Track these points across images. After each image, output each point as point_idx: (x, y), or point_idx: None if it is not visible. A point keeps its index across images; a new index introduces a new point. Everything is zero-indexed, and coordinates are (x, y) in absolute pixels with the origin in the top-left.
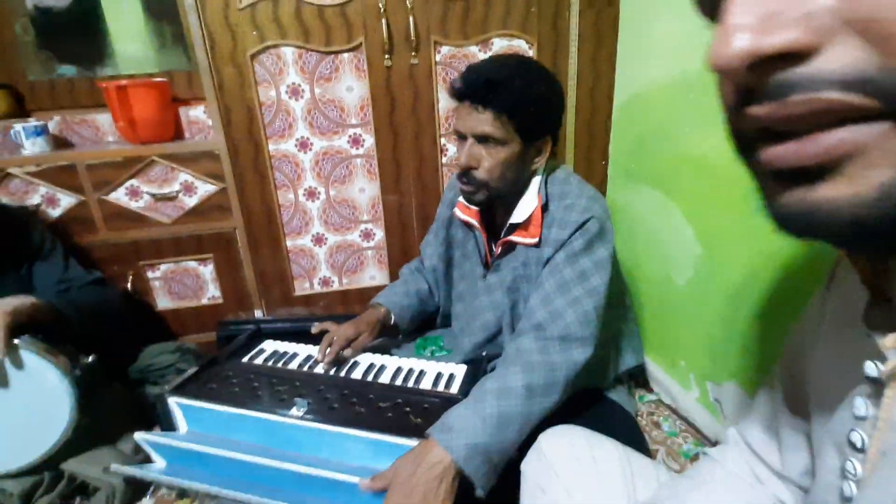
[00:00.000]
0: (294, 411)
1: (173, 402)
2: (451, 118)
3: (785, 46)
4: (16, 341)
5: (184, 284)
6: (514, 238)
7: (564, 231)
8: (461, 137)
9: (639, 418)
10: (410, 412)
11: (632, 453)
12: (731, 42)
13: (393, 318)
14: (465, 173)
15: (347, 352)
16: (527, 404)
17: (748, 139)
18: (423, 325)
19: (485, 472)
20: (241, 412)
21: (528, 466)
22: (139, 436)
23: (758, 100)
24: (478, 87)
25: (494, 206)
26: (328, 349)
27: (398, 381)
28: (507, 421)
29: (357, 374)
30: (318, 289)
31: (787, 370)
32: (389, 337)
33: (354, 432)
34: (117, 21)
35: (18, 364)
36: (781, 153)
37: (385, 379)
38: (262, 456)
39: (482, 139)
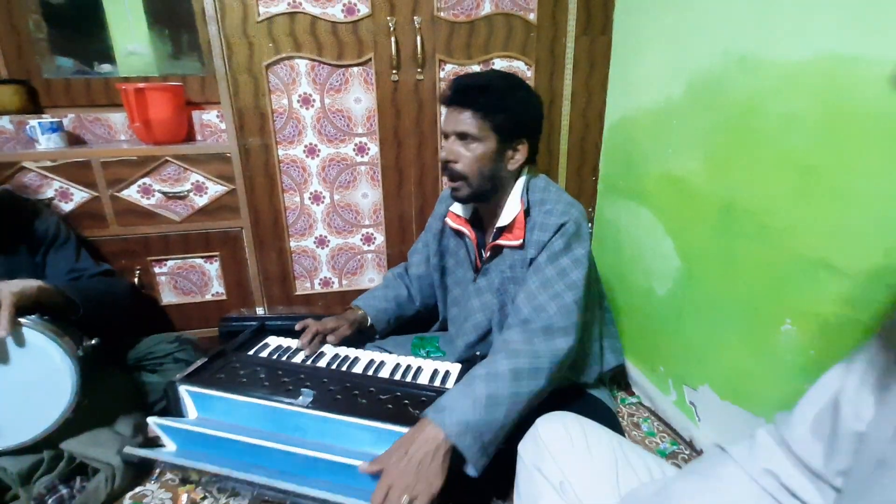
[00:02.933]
0: (300, 400)
1: (183, 389)
2: None
3: None
4: (22, 320)
5: (189, 280)
6: (501, 241)
7: (545, 234)
8: (446, 137)
9: (620, 418)
10: (409, 404)
11: (622, 439)
12: None
13: (369, 321)
14: (447, 168)
15: (330, 338)
16: (514, 386)
17: None
18: (406, 326)
19: (476, 449)
20: (250, 400)
21: (524, 448)
22: (152, 420)
23: None
24: (460, 91)
25: (481, 213)
26: (309, 335)
27: (397, 376)
28: (496, 402)
29: (358, 369)
30: (318, 289)
31: (863, 373)
32: (369, 337)
33: (357, 420)
34: (119, 24)
35: (24, 343)
36: None
37: (385, 374)
38: (270, 441)
39: (462, 136)
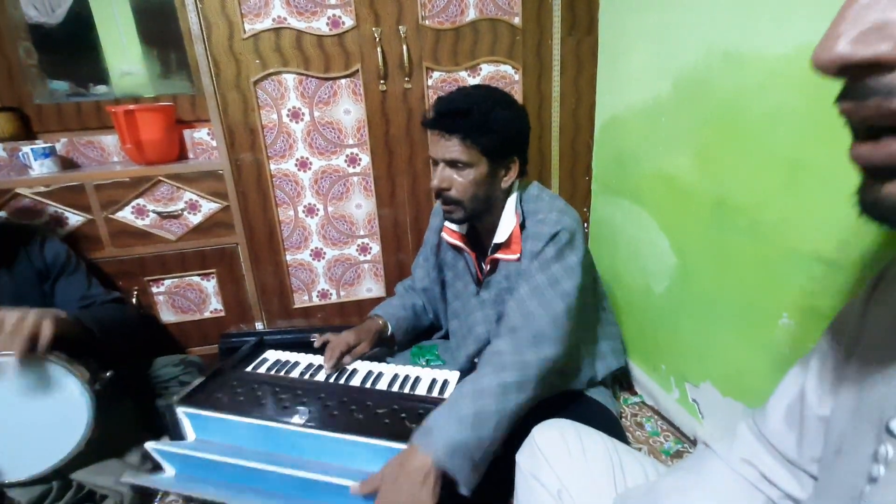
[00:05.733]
0: (296, 419)
1: (181, 411)
2: None
3: (876, 58)
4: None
5: (187, 298)
6: (499, 256)
7: (538, 243)
8: (435, 163)
9: (623, 419)
10: (406, 418)
11: (618, 444)
12: (830, 47)
13: (390, 329)
14: (440, 194)
15: (346, 358)
16: (501, 401)
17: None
18: (417, 338)
19: (467, 469)
20: (246, 421)
21: (522, 458)
22: (150, 445)
23: (844, 96)
24: (444, 116)
25: (478, 228)
26: (335, 358)
27: (395, 388)
28: (484, 419)
29: (356, 382)
30: (316, 301)
31: (820, 364)
32: (385, 348)
33: (353, 438)
34: (112, 45)
35: (45, 377)
36: (860, 152)
37: (382, 385)
38: (267, 462)
39: (451, 163)
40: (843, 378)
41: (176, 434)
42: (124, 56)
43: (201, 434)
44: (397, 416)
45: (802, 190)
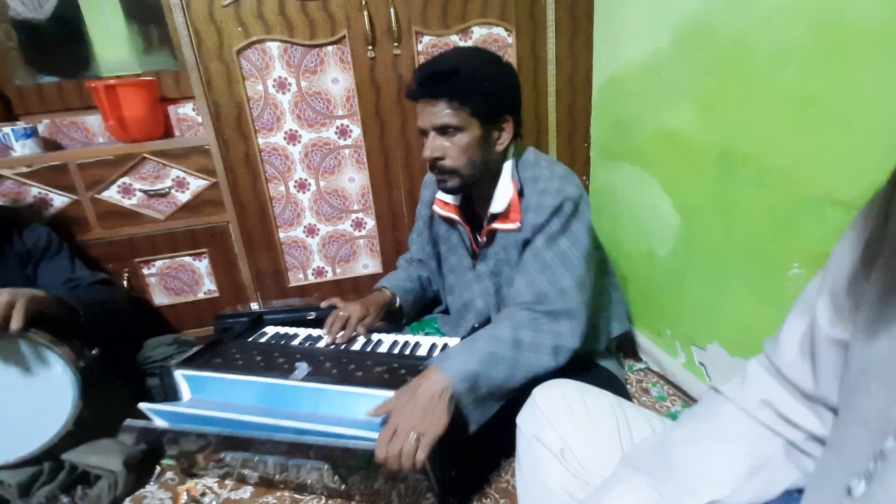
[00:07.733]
0: (295, 374)
1: (178, 374)
2: None
3: None
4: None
5: (180, 280)
6: (496, 226)
7: (541, 215)
8: (424, 134)
9: (628, 386)
10: (406, 373)
11: (622, 401)
12: None
13: (398, 301)
14: (434, 165)
15: (360, 329)
16: (514, 352)
17: None
18: (424, 310)
19: (471, 399)
20: (243, 378)
21: (522, 419)
22: (144, 405)
23: None
24: (427, 82)
25: (473, 197)
26: (341, 331)
27: (395, 351)
28: (496, 360)
29: (356, 348)
30: (312, 279)
31: (833, 281)
32: (392, 322)
33: (352, 389)
34: (99, 28)
35: (25, 355)
36: None
37: (382, 350)
38: (264, 416)
39: (442, 130)
40: (863, 293)
41: (173, 397)
42: (111, 39)
43: (197, 394)
44: (397, 372)
45: (812, 130)
